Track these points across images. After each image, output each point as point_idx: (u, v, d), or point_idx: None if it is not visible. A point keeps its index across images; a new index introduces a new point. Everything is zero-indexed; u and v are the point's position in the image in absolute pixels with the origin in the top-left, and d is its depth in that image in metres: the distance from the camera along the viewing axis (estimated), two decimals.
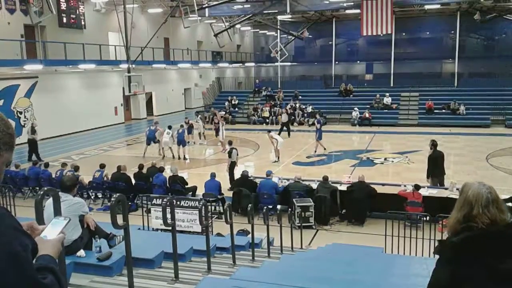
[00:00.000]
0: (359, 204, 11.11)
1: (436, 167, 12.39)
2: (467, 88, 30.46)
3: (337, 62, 39.08)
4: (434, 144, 12.71)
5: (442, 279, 2.21)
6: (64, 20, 24.63)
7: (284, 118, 24.66)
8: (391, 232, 8.43)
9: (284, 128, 23.96)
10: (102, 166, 13.28)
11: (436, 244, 2.37)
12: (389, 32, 27.10)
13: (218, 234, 9.21)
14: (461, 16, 33.55)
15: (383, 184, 12.59)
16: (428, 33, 39.47)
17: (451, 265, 2.18)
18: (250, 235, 7.70)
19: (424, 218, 9.74)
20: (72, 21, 25.27)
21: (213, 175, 12.28)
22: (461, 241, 2.16)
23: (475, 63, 35.76)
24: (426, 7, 30.76)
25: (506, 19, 32.41)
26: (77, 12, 25.63)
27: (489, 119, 26.38)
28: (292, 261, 7.31)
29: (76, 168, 13.13)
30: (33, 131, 18.66)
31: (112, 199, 3.98)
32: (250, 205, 7.62)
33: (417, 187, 11.03)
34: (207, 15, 29.88)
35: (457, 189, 11.55)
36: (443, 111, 28.08)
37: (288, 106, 29.05)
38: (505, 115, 26.44)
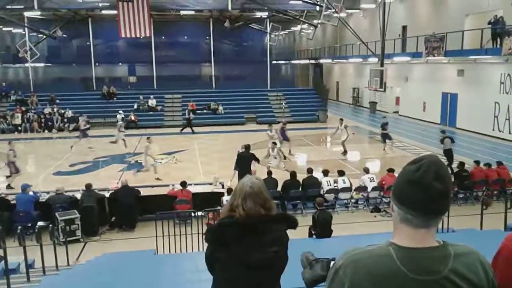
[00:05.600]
0: (127, 209, 10.86)
1: None
2: (223, 90, 33.05)
3: (97, 64, 37.46)
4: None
5: (207, 255, 2.45)
6: None
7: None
8: (162, 232, 8.46)
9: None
10: None
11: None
12: (148, 35, 27.28)
13: None
14: (214, 23, 36.21)
15: (152, 186, 12.62)
16: (186, 37, 41.26)
17: (209, 246, 2.44)
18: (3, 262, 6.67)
19: (193, 214, 10.14)
20: None
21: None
22: (217, 226, 2.42)
23: (229, 67, 39.18)
24: (182, 12, 32.14)
25: (252, 27, 36.50)
26: None
27: (244, 117, 29.34)
28: (55, 281, 6.62)
29: None
30: None
31: None
32: None
33: (183, 185, 11.34)
34: None
35: (220, 183, 12.40)
36: (205, 111, 29.92)
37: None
38: (256, 113, 29.80)
